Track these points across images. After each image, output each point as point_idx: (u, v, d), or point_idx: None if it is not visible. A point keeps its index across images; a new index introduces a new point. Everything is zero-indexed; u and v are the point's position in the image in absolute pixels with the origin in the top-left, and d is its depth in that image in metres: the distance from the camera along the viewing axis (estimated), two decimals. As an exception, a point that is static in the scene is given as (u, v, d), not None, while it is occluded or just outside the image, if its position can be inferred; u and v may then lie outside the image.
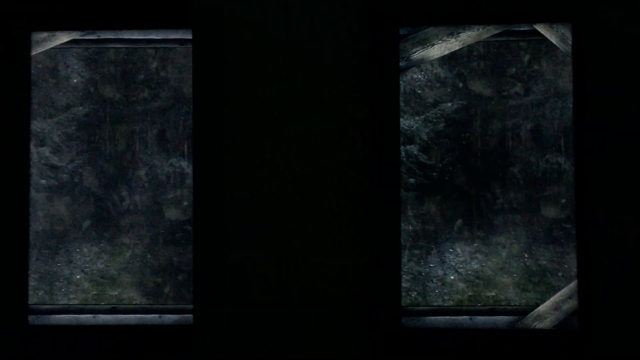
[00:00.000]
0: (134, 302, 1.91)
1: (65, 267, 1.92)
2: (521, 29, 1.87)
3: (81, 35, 1.94)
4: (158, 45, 1.93)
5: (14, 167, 1.90)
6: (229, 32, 1.91)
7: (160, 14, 1.89)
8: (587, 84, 1.83)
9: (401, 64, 1.88)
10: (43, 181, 1.93)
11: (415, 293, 1.87)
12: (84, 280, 1.92)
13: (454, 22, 1.86)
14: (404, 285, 1.86)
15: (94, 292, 1.92)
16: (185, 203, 1.91)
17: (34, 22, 1.91)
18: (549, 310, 1.84)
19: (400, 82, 1.88)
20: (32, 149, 1.93)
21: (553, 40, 1.87)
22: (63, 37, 1.94)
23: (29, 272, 1.92)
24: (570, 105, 1.86)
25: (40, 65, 1.94)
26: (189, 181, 1.91)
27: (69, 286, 1.92)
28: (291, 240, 1.88)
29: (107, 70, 1.94)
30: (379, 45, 1.85)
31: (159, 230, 1.92)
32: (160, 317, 1.90)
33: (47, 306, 1.92)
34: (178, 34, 1.92)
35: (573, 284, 1.84)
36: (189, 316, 1.90)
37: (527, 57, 1.87)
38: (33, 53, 1.94)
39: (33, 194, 1.93)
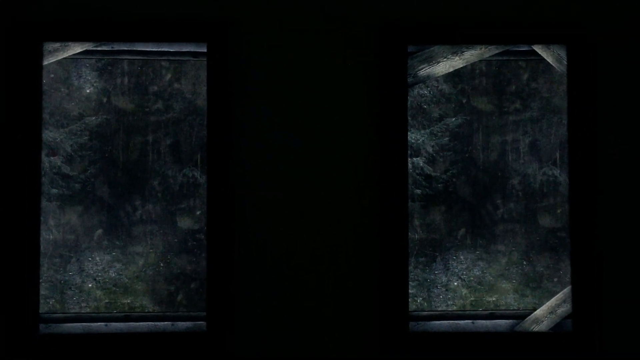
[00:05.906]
0: (146, 310, 1.94)
1: (77, 275, 1.93)
2: (520, 49, 1.99)
3: (94, 46, 1.96)
4: (172, 58, 1.97)
5: (25, 176, 1.91)
6: (243, 45, 1.96)
7: (175, 28, 1.93)
8: (580, 101, 1.96)
9: (408, 80, 1.97)
10: (55, 190, 1.94)
11: (421, 299, 1.96)
12: (96, 288, 1.94)
13: (458, 41, 1.96)
14: (410, 291, 1.95)
15: (106, 301, 1.94)
16: (198, 212, 1.96)
17: (46, 32, 1.92)
18: (545, 313, 1.96)
19: (407, 97, 1.97)
20: (44, 158, 1.94)
21: (549, 60, 1.99)
22: (76, 48, 1.95)
23: (40, 281, 1.93)
24: (565, 122, 1.99)
25: (52, 75, 1.95)
26: (202, 191, 1.96)
27: (81, 294, 1.94)
28: (302, 249, 1.94)
29: (121, 81, 1.96)
30: (389, 62, 1.93)
31: (172, 239, 1.95)
32: (173, 324, 1.94)
33: (58, 315, 1.93)
34: (192, 47, 1.97)
35: (567, 289, 1.97)
36: (202, 323, 1.94)
37: (525, 76, 1.99)
38: (45, 63, 1.95)
39: (44, 203, 1.93)
